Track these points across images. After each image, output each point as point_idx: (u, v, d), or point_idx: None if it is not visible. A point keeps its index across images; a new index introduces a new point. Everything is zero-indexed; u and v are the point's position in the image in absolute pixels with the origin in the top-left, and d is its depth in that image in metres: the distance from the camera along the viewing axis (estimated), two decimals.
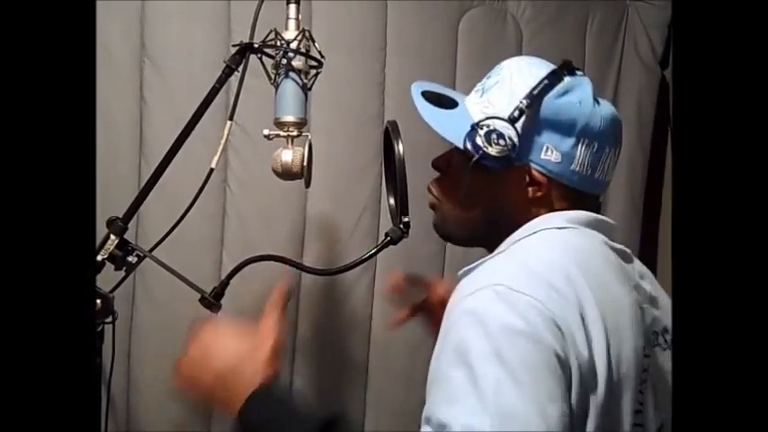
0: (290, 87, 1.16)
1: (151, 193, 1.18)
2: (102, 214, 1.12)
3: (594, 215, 0.90)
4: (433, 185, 0.99)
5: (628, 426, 0.77)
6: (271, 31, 1.16)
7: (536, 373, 0.69)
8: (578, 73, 0.91)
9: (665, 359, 0.88)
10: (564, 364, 0.71)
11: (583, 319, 0.75)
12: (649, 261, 1.98)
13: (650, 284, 0.92)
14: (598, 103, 0.90)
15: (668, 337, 0.90)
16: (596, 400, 0.74)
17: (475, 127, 0.86)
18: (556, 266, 0.79)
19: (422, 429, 0.70)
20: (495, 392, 0.67)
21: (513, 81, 0.90)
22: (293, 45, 1.15)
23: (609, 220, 0.92)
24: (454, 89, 1.00)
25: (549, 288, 0.75)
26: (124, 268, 1.16)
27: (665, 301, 0.94)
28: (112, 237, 1.13)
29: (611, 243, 0.89)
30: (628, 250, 0.92)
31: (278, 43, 1.15)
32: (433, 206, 0.99)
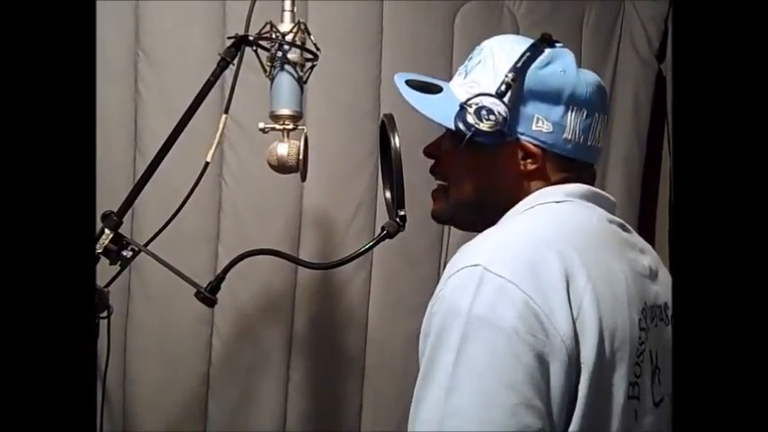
0: (285, 80, 1.15)
1: (146, 188, 1.18)
2: (97, 208, 1.12)
3: (593, 189, 0.90)
4: (434, 170, 0.99)
5: (622, 398, 0.77)
6: (266, 24, 1.15)
7: (495, 361, 0.70)
8: (558, 45, 0.92)
9: (668, 334, 0.88)
10: (537, 349, 0.71)
11: (569, 295, 0.74)
12: None
13: (651, 259, 0.92)
14: (581, 71, 0.91)
15: (670, 313, 0.89)
16: (587, 373, 0.73)
17: (464, 106, 0.86)
18: (544, 242, 0.78)
19: None
20: (449, 382, 0.70)
21: (495, 58, 0.91)
22: (289, 38, 1.14)
23: (608, 195, 0.92)
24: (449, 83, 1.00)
25: (529, 267, 0.74)
26: (119, 263, 1.16)
27: (667, 277, 0.94)
28: (107, 231, 1.13)
29: (610, 216, 0.89)
30: (627, 225, 0.92)
31: (273, 36, 1.15)
32: (434, 195, 0.99)
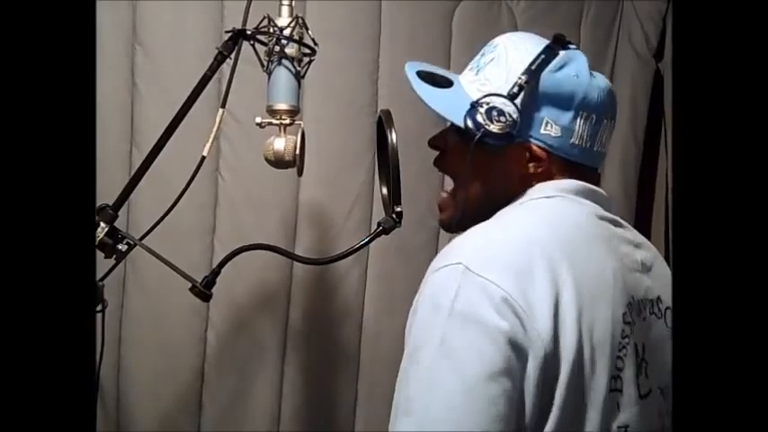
0: (282, 75, 1.15)
1: (142, 181, 1.18)
2: None
3: (586, 185, 0.90)
4: (438, 163, 0.97)
5: (602, 390, 0.77)
6: (264, 18, 1.15)
7: (476, 353, 0.71)
8: (571, 47, 0.91)
9: (660, 328, 0.88)
10: (515, 343, 0.72)
11: (548, 292, 0.75)
12: None
13: (646, 253, 0.92)
14: (593, 75, 0.91)
15: (662, 306, 0.90)
16: (566, 367, 0.74)
17: (475, 105, 0.86)
18: (526, 239, 0.79)
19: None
20: (430, 375, 0.72)
21: (509, 57, 0.90)
22: (286, 32, 1.14)
23: (602, 191, 0.92)
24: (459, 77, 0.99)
25: (509, 266, 0.76)
26: (114, 256, 1.16)
27: (663, 271, 0.94)
28: (102, 224, 1.13)
29: (601, 212, 0.89)
30: (621, 220, 0.92)
31: (271, 30, 1.14)
32: (441, 205, 0.97)
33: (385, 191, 1.15)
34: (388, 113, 1.08)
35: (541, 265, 0.76)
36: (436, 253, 1.85)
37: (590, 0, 1.90)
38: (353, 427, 1.75)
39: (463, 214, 0.95)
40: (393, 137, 1.05)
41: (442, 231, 1.76)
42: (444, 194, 0.97)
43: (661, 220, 1.99)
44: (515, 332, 0.72)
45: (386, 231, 1.12)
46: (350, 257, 1.20)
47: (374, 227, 1.12)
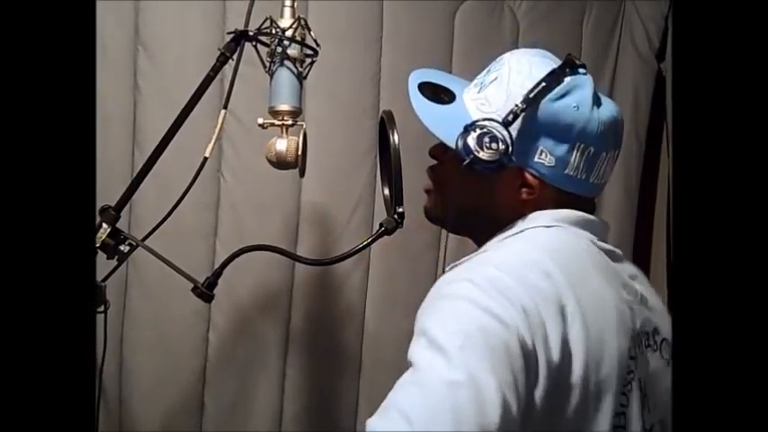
0: (284, 76, 1.15)
1: (144, 182, 1.18)
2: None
3: (583, 214, 0.89)
4: (430, 172, 0.99)
5: (607, 426, 0.76)
6: (266, 19, 1.15)
7: (490, 347, 0.68)
8: (581, 71, 0.88)
9: (656, 360, 0.88)
10: (526, 348, 0.70)
11: (561, 317, 0.74)
12: (643, 253, 1.99)
13: (641, 285, 0.92)
14: (598, 104, 0.88)
15: (658, 338, 0.89)
16: (571, 398, 0.73)
17: (468, 128, 0.84)
18: (535, 264, 0.78)
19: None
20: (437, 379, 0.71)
21: (511, 80, 0.88)
22: (288, 33, 1.14)
23: (598, 219, 0.91)
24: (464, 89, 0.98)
25: (524, 283, 0.75)
26: (116, 257, 1.16)
27: (656, 302, 0.93)
28: (105, 225, 1.13)
29: (599, 243, 0.89)
30: (618, 251, 0.91)
31: (273, 31, 1.14)
32: (427, 191, 0.99)
33: (387, 192, 1.15)
34: (390, 114, 1.08)
35: (550, 290, 0.75)
36: (438, 253, 1.87)
37: (592, 1, 1.90)
38: (355, 427, 1.75)
39: (449, 219, 0.95)
40: (395, 138, 1.05)
41: (443, 232, 1.76)
42: (429, 183, 0.99)
43: (662, 222, 1.98)
44: (531, 340, 0.71)
45: (388, 232, 1.12)
46: (352, 258, 1.19)
47: (376, 228, 1.12)
